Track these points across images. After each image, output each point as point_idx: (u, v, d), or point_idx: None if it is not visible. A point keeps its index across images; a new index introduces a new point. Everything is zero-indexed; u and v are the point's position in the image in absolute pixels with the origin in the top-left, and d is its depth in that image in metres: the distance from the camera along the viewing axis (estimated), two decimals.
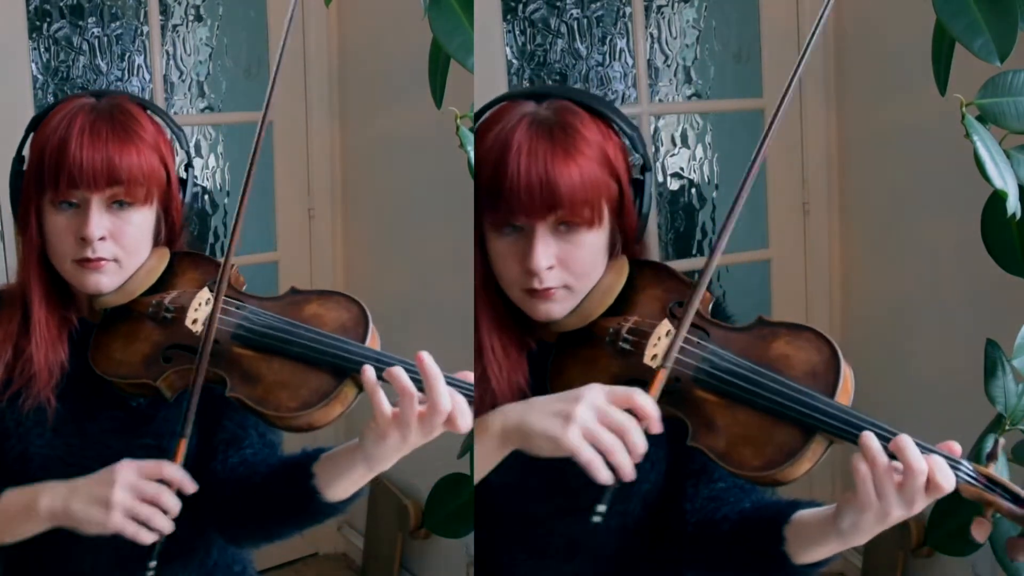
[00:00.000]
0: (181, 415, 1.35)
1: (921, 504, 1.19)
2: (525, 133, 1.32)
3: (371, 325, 1.38)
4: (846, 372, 1.28)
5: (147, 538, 1.33)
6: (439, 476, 2.24)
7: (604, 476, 1.23)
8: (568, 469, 1.40)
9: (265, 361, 1.36)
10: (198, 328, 1.40)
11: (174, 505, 1.34)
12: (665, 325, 1.34)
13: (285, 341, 1.36)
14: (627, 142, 1.39)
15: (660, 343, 1.33)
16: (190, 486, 1.35)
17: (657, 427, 1.26)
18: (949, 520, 1.74)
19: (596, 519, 1.24)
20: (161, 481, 1.35)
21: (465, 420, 1.27)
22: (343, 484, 1.34)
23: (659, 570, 1.47)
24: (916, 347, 2.56)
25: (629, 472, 1.23)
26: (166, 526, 1.34)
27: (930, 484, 1.18)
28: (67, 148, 1.39)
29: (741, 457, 1.25)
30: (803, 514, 1.29)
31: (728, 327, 1.35)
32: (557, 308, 1.36)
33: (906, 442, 1.19)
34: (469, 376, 1.31)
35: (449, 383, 1.27)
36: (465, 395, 1.28)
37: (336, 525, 3.07)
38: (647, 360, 1.32)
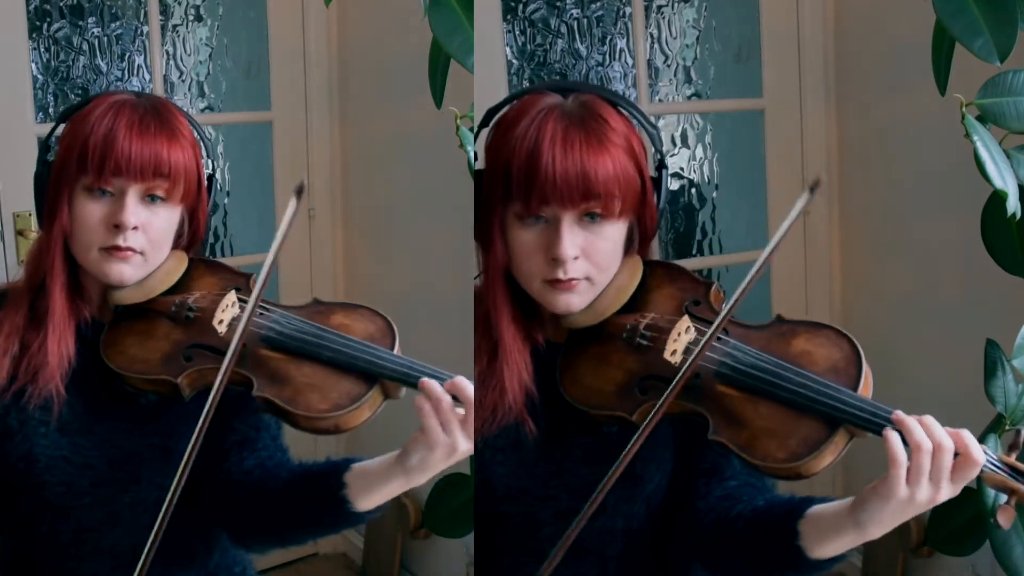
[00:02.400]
0: (192, 415, 1.33)
1: (947, 488, 1.20)
2: (558, 123, 1.33)
3: (397, 338, 1.40)
4: (867, 369, 1.29)
5: None
6: (439, 476, 2.24)
7: None
8: (569, 469, 1.40)
9: (294, 364, 1.37)
10: (223, 329, 1.41)
11: None
12: (685, 321, 1.35)
13: (318, 345, 1.37)
14: (647, 138, 1.40)
15: (680, 339, 1.34)
16: None
17: None
18: (949, 520, 1.74)
19: None
20: None
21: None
22: (376, 496, 1.35)
23: (665, 571, 1.47)
24: (916, 347, 2.56)
25: None
26: None
27: (962, 461, 1.19)
28: (115, 137, 1.40)
29: (765, 449, 1.26)
30: (818, 508, 1.29)
31: (746, 325, 1.35)
32: (577, 300, 1.36)
33: (931, 421, 1.20)
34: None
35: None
36: None
37: None
38: (667, 355, 1.33)
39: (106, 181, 1.41)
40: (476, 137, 1.45)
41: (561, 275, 1.34)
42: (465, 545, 2.56)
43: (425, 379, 1.30)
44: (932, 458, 1.19)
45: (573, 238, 1.33)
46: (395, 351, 1.38)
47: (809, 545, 1.28)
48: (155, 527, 1.31)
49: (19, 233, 2.49)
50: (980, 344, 1.66)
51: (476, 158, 1.45)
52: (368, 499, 1.35)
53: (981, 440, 1.62)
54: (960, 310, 2.38)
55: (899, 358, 2.58)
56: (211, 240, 3.01)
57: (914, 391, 2.51)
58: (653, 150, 1.42)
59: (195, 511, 1.46)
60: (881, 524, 1.23)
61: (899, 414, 1.22)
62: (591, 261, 1.35)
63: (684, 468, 1.42)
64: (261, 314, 1.41)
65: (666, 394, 1.27)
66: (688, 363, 1.28)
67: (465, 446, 1.29)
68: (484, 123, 1.42)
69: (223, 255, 3.02)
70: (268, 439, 1.48)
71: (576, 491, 1.39)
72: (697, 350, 1.28)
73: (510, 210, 1.35)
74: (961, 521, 1.72)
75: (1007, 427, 1.65)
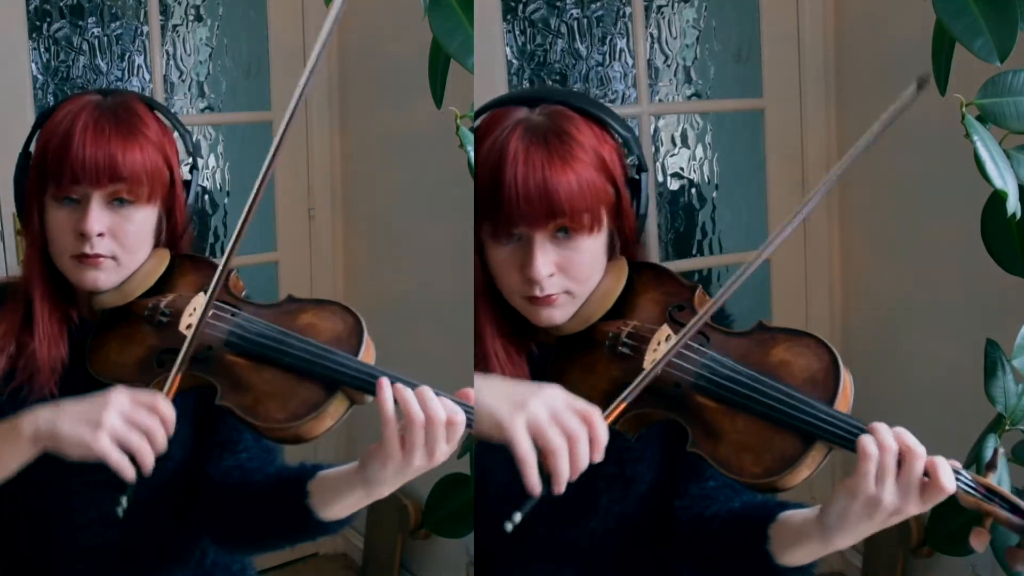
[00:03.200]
0: (180, 417, 1.32)
1: (915, 501, 1.18)
2: (520, 141, 1.31)
3: (366, 336, 1.35)
4: (846, 379, 1.27)
5: (129, 473, 1.28)
6: (439, 476, 2.24)
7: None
8: None
9: (256, 370, 1.35)
10: (190, 333, 1.38)
11: (162, 443, 1.30)
12: (665, 330, 1.34)
13: (277, 351, 1.34)
14: (622, 143, 1.38)
15: (660, 349, 1.33)
16: (172, 426, 1.31)
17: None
18: (949, 520, 1.73)
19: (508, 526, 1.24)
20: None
21: (462, 428, 1.26)
22: (339, 506, 1.33)
23: (657, 571, 1.47)
24: (916, 347, 2.56)
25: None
26: (149, 464, 1.29)
27: (931, 484, 1.18)
28: (70, 143, 1.38)
29: (741, 464, 1.25)
30: (789, 512, 1.29)
31: (728, 332, 1.35)
32: (559, 313, 1.35)
33: (904, 431, 1.19)
34: (470, 395, 1.29)
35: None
36: (466, 410, 1.27)
37: None
38: (646, 365, 1.32)
39: (67, 188, 1.39)
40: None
41: (537, 292, 1.33)
42: (465, 545, 2.56)
43: (404, 391, 1.25)
44: (902, 461, 1.18)
45: (546, 256, 1.31)
46: (362, 350, 1.34)
47: (777, 550, 1.27)
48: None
49: (19, 233, 2.49)
50: (980, 344, 1.66)
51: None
52: (331, 508, 1.33)
53: (981, 440, 1.63)
54: (960, 310, 2.38)
55: (899, 358, 2.58)
56: (211, 240, 3.01)
57: (914, 391, 2.51)
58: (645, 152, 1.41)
59: (186, 510, 1.46)
60: (845, 529, 1.20)
61: (875, 424, 1.21)
62: (568, 276, 1.34)
63: (667, 469, 1.42)
64: (228, 316, 1.39)
65: (619, 400, 1.27)
66: (643, 376, 1.27)
67: (421, 463, 1.25)
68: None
69: (223, 255, 3.02)
70: (250, 440, 1.47)
71: (568, 491, 1.39)
72: (658, 362, 1.28)
73: (484, 230, 1.34)
74: (961, 521, 1.71)
75: (1007, 427, 1.65)
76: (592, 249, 1.34)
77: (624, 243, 1.40)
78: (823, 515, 1.22)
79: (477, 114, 1.39)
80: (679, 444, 1.30)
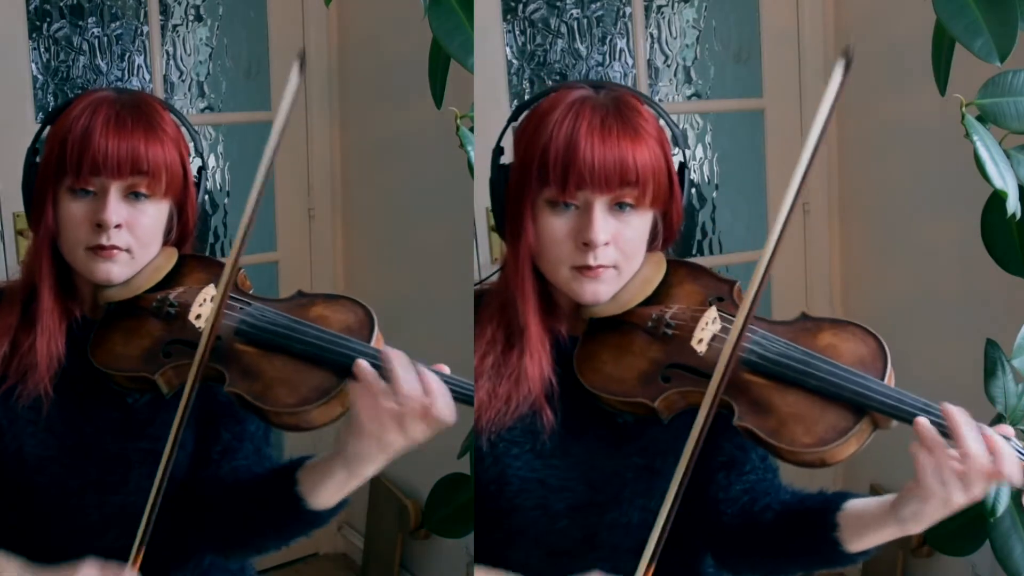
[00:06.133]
0: (177, 417, 1.33)
1: (982, 488, 1.23)
2: (595, 111, 1.36)
3: (376, 329, 1.37)
4: (891, 368, 1.31)
5: None
6: (439, 476, 2.24)
7: None
8: (587, 461, 1.40)
9: (266, 358, 1.36)
10: (201, 324, 1.40)
11: None
12: (712, 312, 1.36)
13: (288, 338, 1.36)
14: (671, 137, 1.43)
15: (707, 329, 1.35)
16: None
17: None
18: (949, 520, 1.74)
19: None
20: None
21: (446, 409, 1.27)
22: (326, 490, 1.33)
23: (679, 562, 1.47)
24: (916, 347, 2.55)
25: None
26: None
27: (996, 471, 1.22)
28: (92, 135, 1.40)
29: (792, 435, 1.27)
30: (856, 502, 1.32)
31: (771, 321, 1.37)
32: (604, 289, 1.37)
33: (960, 421, 1.24)
34: (444, 369, 1.31)
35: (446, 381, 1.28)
36: (454, 391, 1.29)
37: (336, 525, 3.07)
38: (693, 343, 1.34)
39: (86, 180, 1.41)
40: (503, 133, 1.45)
41: (591, 261, 1.35)
42: (465, 545, 2.56)
43: (358, 361, 1.28)
44: (964, 466, 1.22)
45: (605, 224, 1.35)
46: (373, 341, 1.35)
47: (847, 538, 1.30)
48: (140, 530, 1.32)
49: (19, 233, 2.49)
50: (980, 344, 1.66)
51: (502, 153, 1.44)
52: (319, 494, 1.33)
53: None
54: (960, 310, 2.38)
55: (899, 358, 2.58)
56: (211, 240, 3.01)
57: (914, 391, 2.51)
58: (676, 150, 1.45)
59: (186, 513, 1.46)
60: (923, 520, 1.26)
61: (921, 424, 1.25)
62: (619, 249, 1.37)
63: (700, 462, 1.42)
64: (240, 308, 1.40)
65: (716, 383, 1.27)
66: (730, 353, 1.27)
67: (394, 437, 1.27)
68: (514, 118, 1.44)
69: (223, 255, 3.02)
70: (250, 448, 1.48)
71: (594, 483, 1.40)
72: (708, 340, 1.30)
73: (542, 196, 1.36)
74: (961, 521, 1.71)
75: None
76: (642, 228, 1.39)
77: (668, 234, 1.44)
78: (897, 508, 1.26)
79: (536, 97, 1.42)
80: (709, 437, 1.31)
